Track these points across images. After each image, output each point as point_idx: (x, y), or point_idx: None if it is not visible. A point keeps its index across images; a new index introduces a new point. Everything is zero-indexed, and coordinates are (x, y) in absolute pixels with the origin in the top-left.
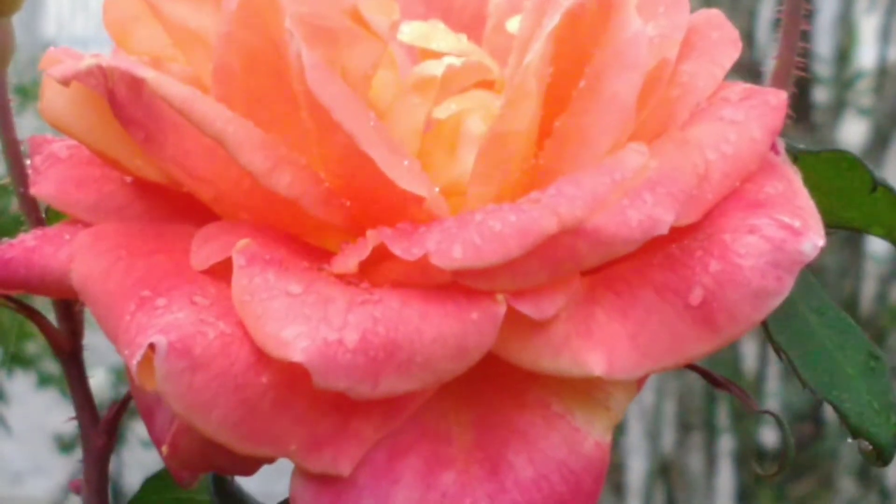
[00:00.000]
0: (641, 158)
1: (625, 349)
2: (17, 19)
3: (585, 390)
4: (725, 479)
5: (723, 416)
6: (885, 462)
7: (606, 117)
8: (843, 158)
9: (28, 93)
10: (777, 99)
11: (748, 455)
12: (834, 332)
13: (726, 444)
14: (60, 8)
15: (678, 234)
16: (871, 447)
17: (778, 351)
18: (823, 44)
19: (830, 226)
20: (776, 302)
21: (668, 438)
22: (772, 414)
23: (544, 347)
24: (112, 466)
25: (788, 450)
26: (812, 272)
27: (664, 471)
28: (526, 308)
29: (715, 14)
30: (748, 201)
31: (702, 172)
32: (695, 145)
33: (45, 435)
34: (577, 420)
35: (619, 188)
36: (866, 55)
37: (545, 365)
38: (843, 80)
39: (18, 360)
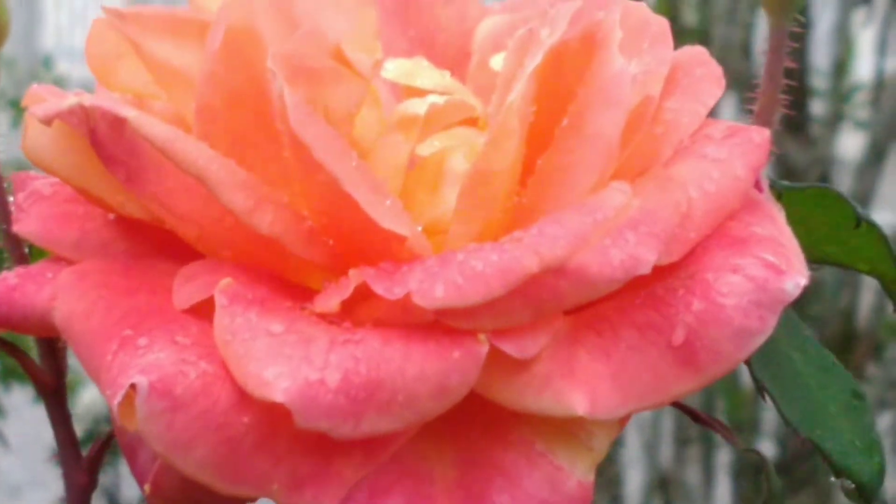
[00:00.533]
0: (624, 197)
1: (607, 389)
2: (15, 32)
3: (568, 430)
4: (723, 492)
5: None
6: (868, 501)
7: (589, 155)
8: (826, 195)
9: (24, 108)
10: (760, 137)
11: (746, 469)
12: (817, 370)
13: (724, 457)
14: (59, 21)
15: (661, 272)
16: (853, 486)
17: (761, 389)
18: (820, 56)
19: (815, 261)
20: (759, 341)
21: (666, 451)
22: (756, 452)
23: (527, 387)
24: (109, 478)
25: (771, 490)
26: (809, 286)
27: (662, 484)
28: (508, 347)
29: (699, 51)
30: (731, 239)
31: (684, 211)
32: (678, 183)
33: (43, 448)
34: (559, 459)
35: (602, 228)
36: (863, 68)
37: (528, 404)
38: (840, 93)
39: (16, 374)
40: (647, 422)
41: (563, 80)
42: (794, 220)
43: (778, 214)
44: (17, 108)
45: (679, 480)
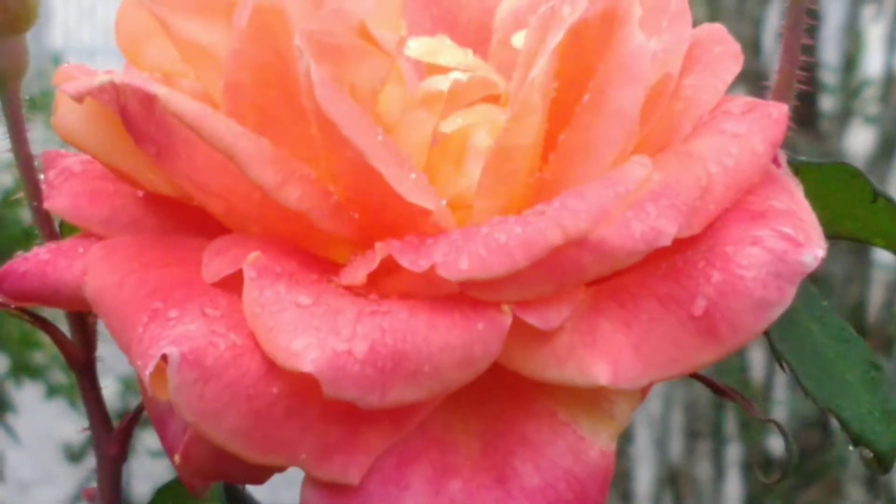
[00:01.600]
0: (645, 171)
1: (629, 359)
2: None
3: (590, 399)
4: (733, 488)
5: (730, 424)
6: (886, 469)
7: (610, 131)
8: (844, 170)
9: (36, 104)
10: (778, 112)
11: (756, 463)
12: (835, 341)
13: (734, 452)
14: (67, 18)
15: (681, 245)
16: (871, 455)
17: (780, 360)
18: (830, 52)
19: (832, 236)
20: (778, 312)
21: (676, 447)
22: (774, 422)
23: (550, 357)
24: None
25: (791, 457)
26: (818, 280)
27: (672, 479)
28: (531, 318)
29: (717, 28)
30: (750, 213)
31: (704, 185)
32: (697, 158)
33: (54, 444)
34: (582, 429)
35: (623, 200)
36: (873, 64)
37: (551, 374)
38: (850, 89)
39: (27, 370)
40: (658, 417)
41: (584, 57)
42: (811, 196)
43: (796, 189)
44: (29, 105)
45: (689, 475)
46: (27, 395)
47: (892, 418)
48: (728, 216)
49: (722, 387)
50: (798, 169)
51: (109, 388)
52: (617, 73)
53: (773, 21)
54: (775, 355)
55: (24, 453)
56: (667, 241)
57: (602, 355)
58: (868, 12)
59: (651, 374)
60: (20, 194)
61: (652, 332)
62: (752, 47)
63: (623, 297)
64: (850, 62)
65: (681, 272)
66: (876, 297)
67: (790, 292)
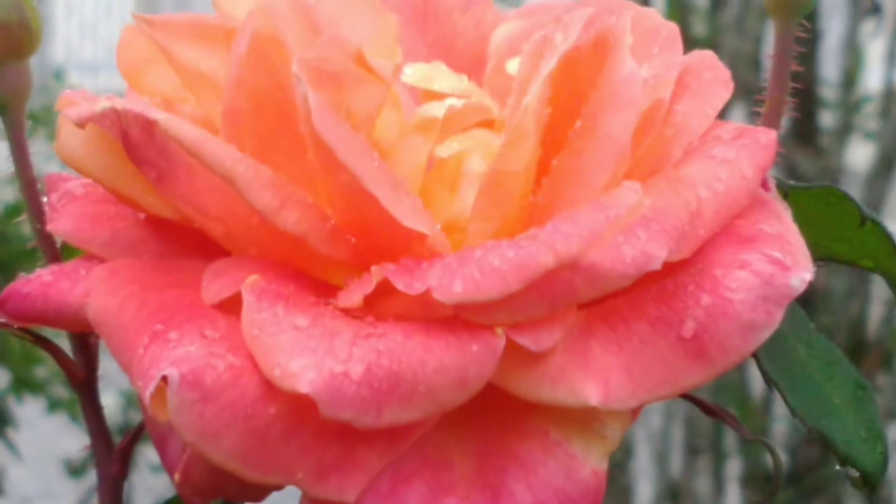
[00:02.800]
0: (635, 196)
1: (620, 380)
2: None
3: (582, 420)
4: (733, 503)
5: (730, 439)
6: (872, 489)
7: (602, 156)
8: (831, 193)
9: (37, 118)
10: (767, 137)
11: (756, 479)
12: (822, 363)
13: (734, 467)
14: (70, 34)
15: (671, 269)
16: (858, 474)
17: (769, 381)
18: (829, 68)
19: (820, 258)
20: (766, 334)
21: (676, 462)
22: (762, 441)
23: (542, 378)
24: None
25: (779, 474)
26: (819, 296)
27: (672, 494)
28: (524, 340)
29: (707, 55)
30: (739, 237)
31: (694, 209)
32: (687, 183)
33: (55, 459)
34: (574, 448)
35: (614, 225)
36: (872, 79)
37: (543, 395)
38: (850, 104)
39: (28, 385)
40: (658, 432)
41: (577, 84)
42: (800, 219)
43: (784, 213)
44: (30, 120)
45: (689, 490)
46: (28, 410)
47: (877, 438)
48: (717, 240)
49: (713, 407)
50: (787, 193)
51: (111, 403)
52: (608, 100)
53: (772, 38)
54: (764, 377)
55: (26, 468)
56: (657, 265)
57: (593, 376)
58: (867, 28)
59: (641, 396)
60: (24, 216)
61: (642, 354)
62: (752, 63)
63: (614, 320)
64: (850, 78)
65: (671, 295)
66: (876, 313)
67: (778, 315)
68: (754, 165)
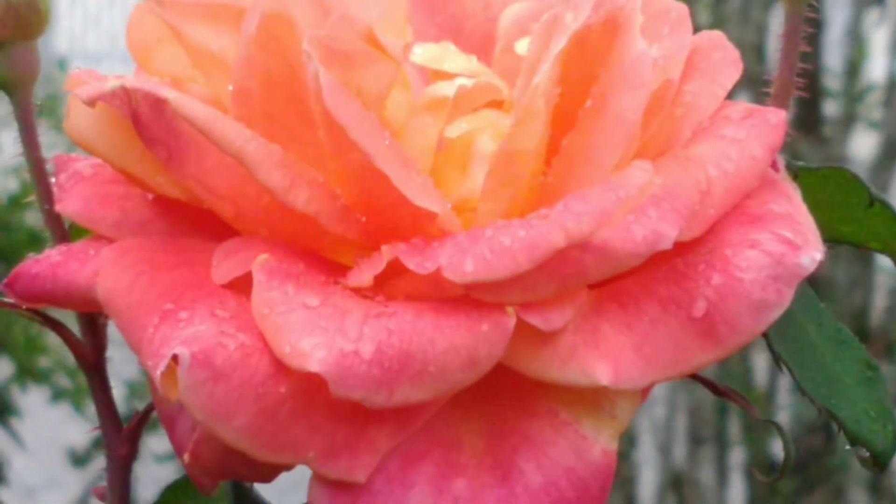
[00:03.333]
0: (646, 175)
1: (630, 360)
2: None
3: (592, 399)
4: (736, 492)
5: (734, 428)
6: (882, 468)
7: (612, 135)
8: (840, 175)
9: (42, 109)
10: (777, 117)
11: (760, 468)
12: (832, 343)
13: (737, 456)
14: (73, 24)
15: (681, 248)
16: (868, 454)
17: (778, 361)
18: (833, 57)
19: (829, 240)
20: (776, 314)
21: (680, 451)
22: (773, 423)
23: (552, 358)
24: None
25: (789, 456)
26: (822, 285)
27: (676, 483)
28: (535, 320)
29: (717, 35)
30: (749, 217)
31: (704, 189)
32: (697, 162)
33: (59, 449)
34: (584, 428)
35: (625, 204)
36: (876, 69)
37: (553, 375)
38: (853, 94)
39: (31, 375)
40: (661, 422)
41: (587, 64)
42: (809, 200)
43: (794, 193)
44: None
45: (693, 480)
46: (32, 400)
47: (887, 418)
48: (727, 220)
49: (723, 388)
50: (796, 173)
51: (115, 392)
52: (619, 79)
53: (777, 26)
54: (774, 356)
55: (29, 458)
56: (668, 245)
57: (603, 356)
58: (871, 17)
59: (652, 375)
60: (31, 198)
61: (653, 334)
62: (756, 52)
63: (625, 299)
64: (854, 67)
65: (681, 275)
66: (879, 302)
67: (788, 294)
68: (764, 145)
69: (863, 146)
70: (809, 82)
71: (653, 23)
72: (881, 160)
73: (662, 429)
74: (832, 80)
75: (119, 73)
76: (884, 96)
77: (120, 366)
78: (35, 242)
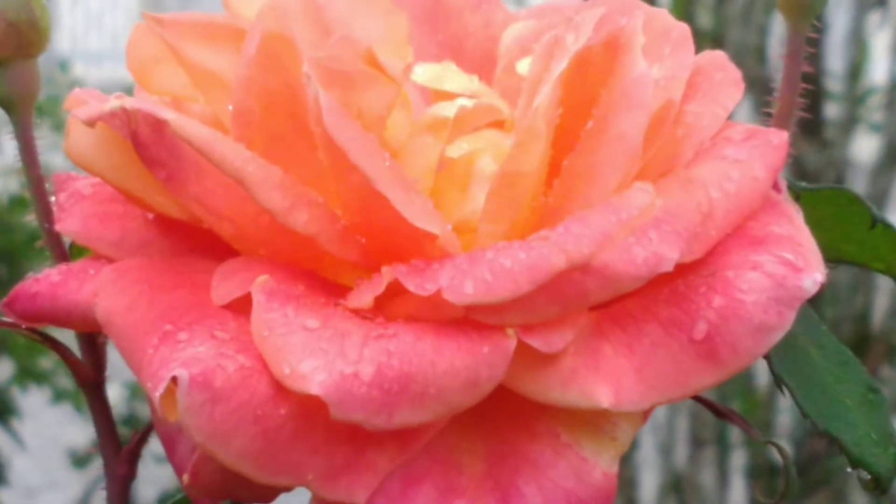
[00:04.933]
0: (647, 197)
1: (631, 382)
2: None
3: (593, 421)
4: (738, 495)
5: (735, 431)
6: (884, 491)
7: (613, 156)
8: (842, 196)
9: (42, 109)
10: (779, 139)
11: (761, 471)
12: (834, 364)
13: (738, 459)
14: (75, 24)
15: (683, 270)
16: (869, 477)
17: (780, 383)
18: (835, 60)
19: (831, 260)
20: (777, 336)
21: (681, 453)
22: (774, 444)
23: (553, 380)
24: None
25: (789, 480)
26: (824, 289)
27: (676, 486)
28: (536, 342)
29: (718, 55)
30: (751, 238)
31: (705, 210)
32: (699, 184)
33: (59, 450)
34: (585, 450)
35: (626, 226)
36: (878, 71)
37: (554, 397)
38: (855, 96)
39: (32, 375)
40: (663, 424)
41: (588, 84)
42: (811, 221)
43: (796, 214)
44: (36, 110)
45: (694, 482)
46: (33, 401)
47: (889, 441)
48: (729, 241)
49: (723, 409)
50: (798, 195)
51: (116, 395)
52: (620, 100)
53: (779, 30)
54: (775, 378)
55: (30, 458)
56: (669, 267)
57: (604, 378)
58: (873, 20)
59: (653, 397)
60: (31, 216)
61: (654, 356)
62: (758, 55)
63: (626, 321)
64: (856, 70)
65: (682, 297)
66: (880, 306)
67: (790, 317)
68: (766, 166)
69: (864, 149)
70: (811, 85)
71: (654, 43)
72: (883, 163)
73: (663, 431)
74: (834, 82)
75: (121, 73)
76: (885, 99)
77: (121, 367)
78: (33, 240)
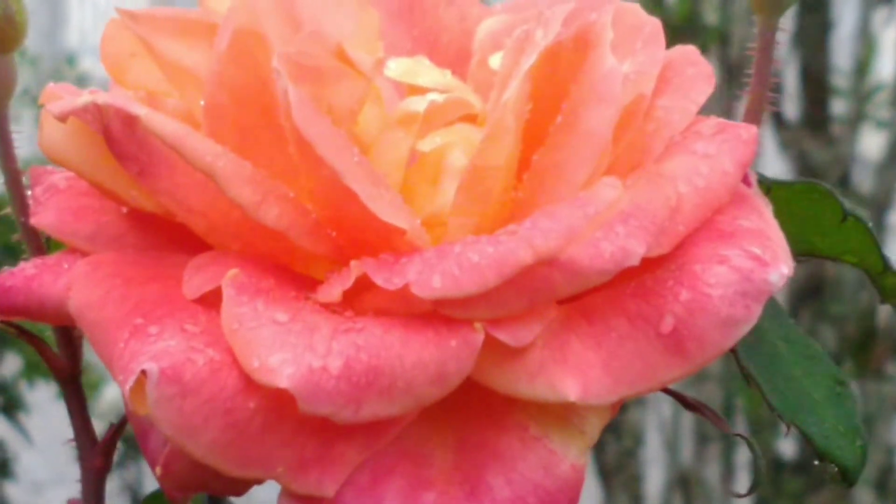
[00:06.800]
0: (615, 192)
1: (598, 375)
2: (39, 30)
3: (561, 415)
4: (742, 490)
5: (740, 427)
6: (851, 483)
7: (582, 151)
8: (814, 189)
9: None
10: (748, 133)
11: (766, 467)
12: (801, 358)
13: (743, 455)
14: (83, 19)
15: (650, 264)
16: (836, 469)
17: (747, 377)
18: (842, 56)
19: (804, 253)
20: (744, 330)
21: (686, 450)
22: (742, 436)
23: (521, 373)
24: (132, 474)
25: (758, 470)
26: (829, 286)
27: (682, 482)
28: (503, 336)
29: (690, 50)
30: (719, 232)
31: (674, 205)
32: (668, 178)
33: (66, 445)
34: (553, 443)
35: (593, 221)
36: (885, 68)
37: (522, 390)
38: (862, 93)
39: (39, 371)
40: (668, 421)
41: (558, 79)
42: (783, 214)
43: (765, 208)
44: (40, 107)
45: (699, 479)
46: (40, 395)
47: (856, 434)
48: (697, 235)
49: (693, 402)
50: (769, 188)
51: (115, 394)
52: (589, 95)
53: (785, 23)
54: (742, 372)
55: (37, 453)
56: (635, 261)
57: (572, 372)
58: (880, 16)
59: (620, 391)
60: (7, 210)
61: (621, 350)
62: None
63: (593, 315)
64: (862, 66)
65: (650, 290)
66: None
67: (756, 310)
68: (735, 161)
69: (871, 145)
70: (817, 81)
71: (626, 38)
72: (889, 159)
73: (669, 427)
74: (840, 79)
75: None
76: (892, 95)
77: None
78: (8, 229)
